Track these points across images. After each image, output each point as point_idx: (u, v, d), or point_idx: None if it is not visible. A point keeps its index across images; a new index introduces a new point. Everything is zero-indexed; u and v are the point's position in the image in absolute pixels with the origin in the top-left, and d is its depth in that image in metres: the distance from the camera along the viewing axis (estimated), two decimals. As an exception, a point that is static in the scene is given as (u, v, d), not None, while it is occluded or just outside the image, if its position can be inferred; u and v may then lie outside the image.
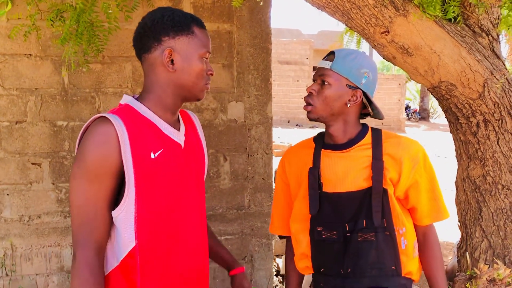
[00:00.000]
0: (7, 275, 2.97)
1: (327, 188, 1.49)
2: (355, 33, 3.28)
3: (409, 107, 25.52)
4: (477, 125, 2.24)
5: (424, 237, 1.55)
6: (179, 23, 1.25)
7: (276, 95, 19.76)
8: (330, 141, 1.54)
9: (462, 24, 2.17)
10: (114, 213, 1.21)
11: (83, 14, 2.26)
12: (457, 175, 2.46)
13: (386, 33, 2.12)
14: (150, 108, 1.27)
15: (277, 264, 4.07)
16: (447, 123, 2.47)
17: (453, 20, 2.15)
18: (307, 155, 1.57)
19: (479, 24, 2.23)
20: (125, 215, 1.20)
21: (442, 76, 2.16)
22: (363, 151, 1.50)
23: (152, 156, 1.22)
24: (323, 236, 1.50)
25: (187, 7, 2.96)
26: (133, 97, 1.31)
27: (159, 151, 1.24)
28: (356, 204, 1.47)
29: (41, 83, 2.88)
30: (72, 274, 1.16)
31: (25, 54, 2.85)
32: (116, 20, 2.40)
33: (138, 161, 1.19)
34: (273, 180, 3.22)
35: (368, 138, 1.52)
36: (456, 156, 2.46)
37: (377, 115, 1.58)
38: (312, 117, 1.51)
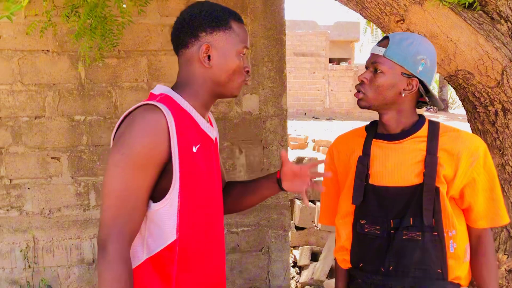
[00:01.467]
0: (29, 267, 3.04)
1: (375, 180, 1.42)
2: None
3: (428, 98, 25.09)
4: (496, 113, 2.20)
5: (478, 241, 1.44)
6: (216, 18, 1.22)
7: (292, 87, 19.69)
8: (383, 131, 1.46)
9: (480, 10, 2.13)
10: (156, 205, 1.16)
11: (96, 8, 2.28)
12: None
13: (401, 21, 2.10)
14: (188, 101, 1.25)
15: (294, 256, 4.08)
16: (466, 113, 2.43)
17: (469, 6, 2.11)
18: (357, 144, 1.50)
19: (498, 11, 2.18)
20: (168, 208, 1.16)
21: (459, 65, 2.13)
22: (417, 143, 1.40)
23: (194, 149, 1.20)
24: (366, 230, 1.43)
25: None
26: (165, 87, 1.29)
27: (198, 145, 1.23)
28: (404, 201, 1.38)
29: (58, 78, 2.93)
30: (102, 268, 1.09)
31: (42, 50, 2.90)
32: (129, 15, 2.41)
33: (183, 154, 1.17)
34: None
35: (424, 130, 1.42)
36: (474, 146, 2.42)
37: (435, 103, 1.47)
38: (363, 105, 1.42)
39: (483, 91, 2.17)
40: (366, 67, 1.43)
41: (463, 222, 1.44)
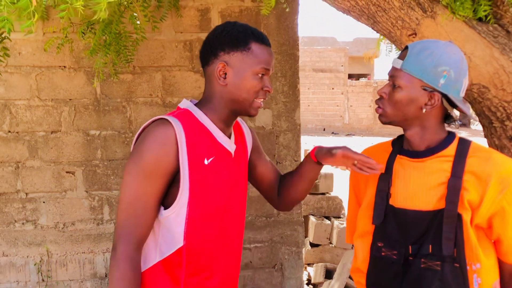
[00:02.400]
0: (43, 280, 3.06)
1: (395, 201, 1.32)
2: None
3: (449, 113, 24.77)
4: (513, 128, 2.14)
5: (510, 279, 1.31)
6: (236, 38, 1.27)
7: (311, 103, 19.68)
8: (408, 147, 1.36)
9: (495, 24, 2.09)
10: (165, 212, 1.25)
11: (111, 25, 2.32)
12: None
13: (414, 35, 2.07)
14: (207, 115, 1.32)
15: (308, 273, 4.01)
16: (482, 128, 2.37)
17: (484, 19, 2.07)
18: (380, 159, 1.39)
19: (513, 24, 2.14)
20: (176, 216, 1.25)
21: (474, 79, 2.09)
22: (442, 163, 1.29)
23: (206, 162, 1.26)
24: (382, 254, 1.34)
25: (214, 16, 3.00)
26: (191, 102, 1.36)
27: (212, 158, 1.28)
28: (424, 226, 1.27)
29: (74, 93, 2.97)
30: (111, 266, 1.20)
31: (59, 66, 2.96)
32: (143, 31, 2.45)
33: (193, 166, 1.24)
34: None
35: (451, 149, 1.30)
36: (491, 162, 2.35)
37: (467, 114, 1.36)
38: (384, 121, 1.35)
39: (499, 106, 2.12)
40: (388, 80, 1.35)
41: (492, 256, 1.30)
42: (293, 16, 3.02)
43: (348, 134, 17.97)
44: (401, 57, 1.31)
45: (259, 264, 3.18)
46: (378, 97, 1.39)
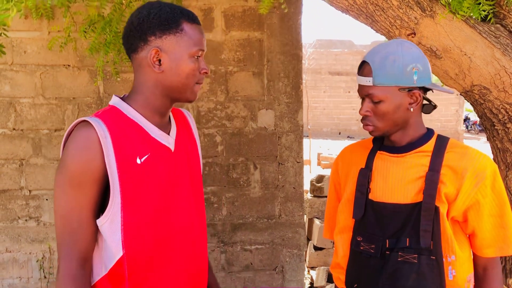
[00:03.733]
0: (45, 277, 3.08)
1: (374, 195, 1.35)
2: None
3: (469, 119, 24.42)
4: (515, 131, 2.07)
5: (484, 272, 1.33)
6: (166, 20, 1.16)
7: (326, 106, 19.57)
8: (389, 143, 1.40)
9: (497, 24, 2.03)
10: (99, 221, 1.14)
11: (111, 24, 2.33)
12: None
13: (412, 35, 2.03)
14: (137, 110, 1.20)
15: (311, 276, 3.97)
16: (484, 131, 2.31)
17: (484, 19, 2.02)
18: (361, 155, 1.44)
19: (517, 24, 2.08)
20: (110, 223, 1.14)
21: (474, 80, 2.03)
22: (420, 158, 1.32)
23: (138, 161, 1.15)
24: (361, 248, 1.35)
25: (218, 16, 2.99)
26: (121, 98, 1.24)
27: (146, 156, 1.17)
28: (402, 219, 1.29)
29: (78, 92, 3.00)
30: (56, 285, 1.11)
31: (63, 65, 2.99)
32: (143, 30, 2.45)
33: (123, 167, 1.13)
34: (303, 189, 3.16)
35: (430, 144, 1.33)
36: (494, 166, 2.29)
37: (443, 90, 1.39)
38: (377, 135, 1.36)
39: (501, 108, 2.06)
40: (362, 98, 1.36)
41: (467, 249, 1.32)
42: (297, 17, 3.00)
43: (364, 138, 17.80)
44: (365, 73, 1.31)
45: (260, 266, 3.16)
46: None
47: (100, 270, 1.18)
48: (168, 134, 1.26)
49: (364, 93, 1.33)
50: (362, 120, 1.36)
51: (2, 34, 1.75)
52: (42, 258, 3.07)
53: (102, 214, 1.15)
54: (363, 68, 1.33)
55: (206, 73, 1.24)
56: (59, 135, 3.02)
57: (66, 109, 3.00)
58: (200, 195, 1.36)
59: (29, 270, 3.09)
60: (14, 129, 3.00)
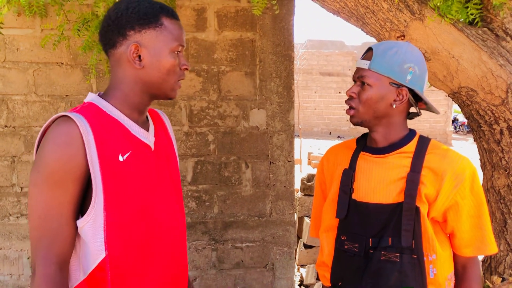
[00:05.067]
0: (36, 274, 3.08)
1: (357, 195, 1.37)
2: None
3: (457, 120, 24.66)
4: (501, 132, 2.13)
5: (464, 271, 1.37)
6: (145, 15, 1.13)
7: (317, 106, 19.64)
8: (371, 144, 1.42)
9: (484, 27, 2.09)
10: (79, 222, 1.08)
11: (105, 22, 2.35)
12: (481, 185, 2.35)
13: (402, 37, 2.08)
14: (115, 107, 1.16)
15: (301, 274, 4.01)
16: (472, 132, 2.37)
17: (472, 23, 2.08)
18: (345, 156, 1.47)
19: (504, 28, 2.13)
20: (93, 224, 1.08)
21: (462, 82, 2.09)
22: (402, 159, 1.34)
23: (121, 158, 1.11)
24: (345, 247, 1.38)
25: (211, 16, 3.02)
26: (97, 94, 1.19)
27: (128, 153, 1.13)
28: (384, 219, 1.32)
29: (71, 90, 3.01)
30: None
31: (56, 63, 2.99)
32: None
33: (106, 164, 1.08)
34: (294, 188, 3.19)
35: (411, 145, 1.35)
36: (480, 166, 2.35)
37: (430, 109, 1.41)
38: (355, 122, 1.38)
39: (488, 109, 2.12)
40: (354, 81, 1.39)
41: (447, 248, 1.36)
42: (289, 18, 3.03)
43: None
44: (367, 58, 1.35)
45: (250, 264, 3.19)
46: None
47: (78, 275, 1.13)
48: (147, 132, 1.24)
49: (357, 75, 1.36)
50: (346, 101, 1.39)
51: (-3, 32, 1.75)
52: (33, 255, 3.07)
53: (81, 215, 1.10)
54: (367, 53, 1.36)
55: (186, 69, 1.22)
56: (52, 133, 3.02)
57: (59, 106, 3.01)
58: (179, 194, 1.34)
59: (20, 267, 3.09)
60: (6, 126, 3.00)
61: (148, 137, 1.22)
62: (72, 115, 1.06)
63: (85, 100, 1.18)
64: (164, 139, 1.33)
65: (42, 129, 1.11)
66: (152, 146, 1.23)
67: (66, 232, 1.07)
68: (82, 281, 1.12)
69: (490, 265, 2.25)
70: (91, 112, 1.11)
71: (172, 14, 1.18)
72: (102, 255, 1.09)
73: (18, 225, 3.06)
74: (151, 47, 1.14)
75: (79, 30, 2.52)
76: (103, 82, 3.01)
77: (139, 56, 1.14)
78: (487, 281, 1.94)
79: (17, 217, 3.06)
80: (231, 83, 3.06)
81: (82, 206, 1.10)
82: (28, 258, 3.07)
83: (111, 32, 1.14)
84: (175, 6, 2.89)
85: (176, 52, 1.17)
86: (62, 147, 1.04)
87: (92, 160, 1.06)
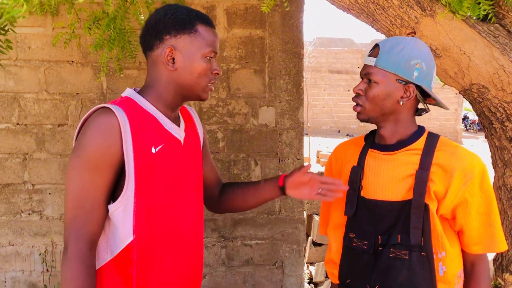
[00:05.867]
0: (47, 270, 3.12)
1: (366, 192, 1.37)
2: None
3: (467, 118, 24.50)
4: (513, 130, 2.11)
5: (472, 268, 1.36)
6: (182, 21, 1.23)
7: (326, 104, 19.62)
8: (380, 141, 1.41)
9: (496, 23, 2.07)
10: (111, 207, 1.18)
11: (115, 21, 2.36)
12: (493, 183, 2.33)
13: (413, 34, 2.06)
14: (151, 103, 1.26)
15: (310, 272, 4.01)
16: (483, 129, 2.35)
17: (484, 19, 2.06)
18: (353, 153, 1.46)
19: (516, 24, 2.12)
20: (123, 209, 1.18)
21: (473, 78, 2.07)
22: (411, 156, 1.33)
23: (153, 150, 1.20)
24: (354, 244, 1.38)
25: (220, 14, 3.02)
26: (134, 90, 1.30)
27: (160, 146, 1.22)
28: (393, 216, 1.31)
29: (81, 88, 3.03)
30: (63, 266, 1.13)
31: (67, 61, 3.02)
32: (147, 26, 2.48)
33: (139, 155, 1.18)
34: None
35: (420, 142, 1.35)
36: (491, 163, 2.33)
37: (440, 105, 1.40)
38: (362, 118, 1.37)
39: (499, 106, 2.10)
40: (361, 78, 1.39)
41: (457, 246, 1.35)
42: (298, 15, 3.03)
43: (363, 136, 17.84)
44: (373, 54, 1.34)
45: (260, 261, 3.20)
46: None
47: (105, 255, 1.22)
48: (179, 127, 1.32)
49: (364, 72, 1.36)
50: (353, 98, 1.39)
51: (10, 30, 1.77)
52: (45, 251, 3.11)
53: (113, 201, 1.19)
54: (374, 49, 1.36)
55: (217, 73, 1.30)
56: (62, 130, 3.05)
57: (70, 104, 3.03)
58: (201, 188, 1.41)
59: (32, 263, 3.12)
60: (18, 124, 3.03)
61: (179, 132, 1.31)
62: (112, 107, 1.17)
63: (123, 95, 1.28)
64: (193, 135, 1.40)
65: (83, 118, 1.21)
66: (182, 141, 1.32)
67: (97, 215, 1.16)
68: (109, 261, 1.22)
69: (502, 263, 2.23)
70: (128, 106, 1.21)
71: (207, 22, 1.27)
72: (130, 238, 1.19)
73: (30, 222, 3.10)
74: (185, 51, 1.23)
75: (90, 28, 2.54)
76: (113, 80, 3.03)
77: (173, 59, 1.24)
78: (498, 279, 1.93)
79: (29, 214, 3.09)
80: (240, 80, 3.07)
81: (114, 192, 1.20)
82: (39, 255, 3.10)
83: (150, 36, 1.25)
84: (185, 3, 2.90)
85: (208, 58, 1.26)
86: (102, 136, 1.14)
87: (127, 150, 1.16)
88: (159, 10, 1.27)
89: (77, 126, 3.01)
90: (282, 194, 1.43)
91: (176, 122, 1.33)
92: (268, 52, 3.06)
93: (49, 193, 3.09)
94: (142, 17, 2.48)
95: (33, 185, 3.08)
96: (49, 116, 3.04)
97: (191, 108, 1.50)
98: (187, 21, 1.24)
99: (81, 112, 3.04)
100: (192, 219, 1.33)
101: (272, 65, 3.06)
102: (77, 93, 3.04)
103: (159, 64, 1.25)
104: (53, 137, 3.04)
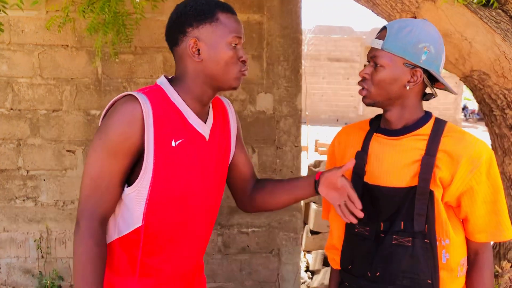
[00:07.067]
0: (42, 257, 3.10)
1: (369, 178, 1.34)
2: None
3: (467, 108, 24.48)
4: (513, 117, 2.08)
5: (475, 257, 1.33)
6: (202, 11, 1.22)
7: (325, 93, 19.53)
8: (385, 125, 1.37)
9: (498, 9, 2.02)
10: (127, 190, 1.23)
11: (109, 3, 2.31)
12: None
13: (413, 19, 2.02)
14: (180, 95, 1.26)
15: (307, 260, 4.01)
16: (483, 116, 2.32)
17: (486, 4, 2.01)
18: (358, 137, 1.42)
19: (518, 9, 2.07)
20: (136, 195, 1.22)
21: (474, 65, 2.03)
22: (417, 142, 1.30)
23: (173, 144, 1.22)
24: (356, 230, 1.35)
25: (217, -2, 2.97)
26: (167, 78, 1.30)
27: (180, 140, 1.23)
28: (397, 203, 1.28)
29: (76, 73, 2.99)
30: (75, 241, 1.19)
31: (62, 45, 2.97)
32: (143, 11, 2.43)
33: (159, 147, 1.20)
34: (301, 173, 3.17)
35: (427, 128, 1.31)
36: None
37: (448, 90, 1.35)
38: (368, 102, 1.33)
39: (500, 93, 2.07)
40: (368, 61, 1.34)
41: (461, 233, 1.32)
42: (297, 0, 2.98)
43: (362, 125, 17.82)
44: (380, 37, 1.29)
45: (256, 249, 3.18)
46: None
47: (113, 234, 1.27)
48: (205, 123, 1.31)
49: (370, 55, 1.31)
50: (359, 82, 1.35)
51: (2, 12, 1.73)
52: (40, 238, 3.09)
53: (128, 184, 1.23)
54: (381, 32, 1.31)
55: (244, 61, 1.27)
56: (57, 116, 3.01)
57: (64, 89, 2.99)
58: (221, 185, 1.40)
59: (27, 250, 3.11)
60: (11, 109, 2.99)
61: (203, 128, 1.30)
62: (139, 96, 1.18)
63: (157, 81, 1.29)
64: (223, 131, 1.40)
65: (110, 102, 1.24)
66: (207, 137, 1.31)
67: (111, 196, 1.21)
68: (115, 240, 1.27)
69: (499, 251, 2.22)
70: (156, 96, 1.23)
71: (228, 9, 1.26)
72: (139, 223, 1.24)
73: (25, 208, 3.07)
74: (208, 41, 1.22)
75: (84, 11, 2.48)
76: (108, 65, 2.98)
77: (198, 50, 1.22)
78: (496, 267, 1.91)
79: (23, 200, 3.06)
80: (238, 66, 3.02)
81: (131, 175, 1.23)
82: (34, 241, 3.08)
83: (173, 31, 1.25)
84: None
85: (233, 45, 1.23)
86: (124, 124, 1.17)
87: (148, 141, 1.18)
88: (179, 5, 1.27)
89: (71, 111, 2.98)
90: (315, 192, 1.37)
91: (204, 117, 1.32)
92: (266, 38, 3.01)
93: (44, 179, 3.06)
94: (138, 0, 2.43)
95: (27, 171, 3.05)
96: (43, 101, 3.00)
97: (228, 101, 1.48)
98: (207, 10, 1.23)
99: (76, 97, 3.00)
100: (205, 215, 1.34)
101: (270, 50, 3.01)
102: (72, 78, 2.99)
103: (186, 57, 1.24)
104: (47, 122, 3.01)
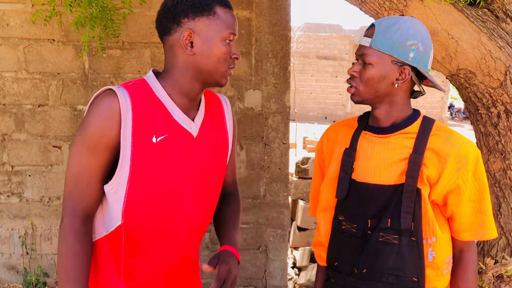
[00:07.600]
0: (27, 253, 3.07)
1: (357, 175, 1.34)
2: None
3: (453, 106, 24.71)
4: (498, 116, 2.11)
5: (460, 255, 1.35)
6: (199, 3, 1.18)
7: (313, 90, 19.58)
8: (373, 123, 1.37)
9: (484, 8, 2.05)
10: (106, 187, 1.20)
11: (97, -3, 2.29)
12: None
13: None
14: (165, 90, 1.22)
15: (294, 257, 4.02)
16: (469, 115, 2.34)
17: (472, 3, 2.03)
18: (346, 134, 1.42)
19: (504, 9, 2.09)
20: (114, 192, 1.19)
21: (461, 63, 2.05)
22: (405, 140, 1.30)
23: (154, 140, 1.18)
24: (343, 227, 1.35)
25: (206, -6, 2.95)
26: (156, 73, 1.26)
27: (163, 136, 1.19)
28: (384, 200, 1.29)
29: (63, 67, 2.95)
30: (59, 237, 1.18)
31: (48, 39, 2.93)
32: (130, 5, 2.41)
33: (138, 143, 1.16)
34: (289, 170, 3.17)
35: (415, 126, 1.32)
36: (476, 149, 2.33)
37: (436, 87, 1.36)
38: (356, 100, 1.33)
39: (486, 92, 2.09)
40: (356, 59, 1.34)
41: (447, 232, 1.34)
42: (286, -4, 2.98)
43: (350, 123, 17.90)
44: (368, 35, 1.30)
45: (244, 245, 3.19)
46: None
47: (102, 230, 1.25)
48: (193, 119, 1.26)
49: (359, 52, 1.31)
50: (347, 80, 1.35)
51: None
52: (25, 234, 3.05)
53: (108, 181, 1.20)
54: (369, 30, 1.31)
55: (236, 58, 1.24)
56: (43, 111, 2.97)
57: (50, 84, 2.95)
58: (218, 185, 1.36)
59: (11, 246, 3.07)
60: (-4, 103, 2.94)
61: (190, 124, 1.25)
62: (118, 90, 1.15)
63: (145, 77, 1.25)
64: (216, 127, 1.34)
65: (92, 98, 1.20)
66: (195, 134, 1.26)
67: (92, 192, 1.19)
68: (104, 236, 1.25)
69: (483, 248, 2.25)
70: (138, 90, 1.19)
71: (225, 4, 1.22)
72: (119, 222, 1.21)
73: (9, 204, 3.03)
74: (203, 35, 1.18)
75: (71, 5, 2.45)
76: (96, 60, 2.95)
77: (191, 43, 1.19)
78: (480, 263, 1.93)
79: (8, 196, 3.02)
80: (226, 63, 3.01)
81: (112, 172, 1.20)
82: (19, 237, 3.05)
83: (167, 19, 1.20)
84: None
85: (227, 41, 1.20)
86: (101, 119, 1.14)
87: (125, 137, 1.15)
88: None
89: (57, 106, 2.95)
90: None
91: (193, 113, 1.27)
92: (254, 34, 3.00)
93: (29, 175, 3.02)
94: (125, -5, 2.40)
95: (12, 166, 3.01)
96: (28, 96, 2.96)
97: (225, 98, 1.43)
98: (205, 3, 1.18)
99: (62, 92, 2.96)
100: (192, 217, 1.28)
101: (259, 47, 3.01)
102: (58, 73, 2.95)
103: (177, 48, 1.20)
104: (33, 117, 2.97)
